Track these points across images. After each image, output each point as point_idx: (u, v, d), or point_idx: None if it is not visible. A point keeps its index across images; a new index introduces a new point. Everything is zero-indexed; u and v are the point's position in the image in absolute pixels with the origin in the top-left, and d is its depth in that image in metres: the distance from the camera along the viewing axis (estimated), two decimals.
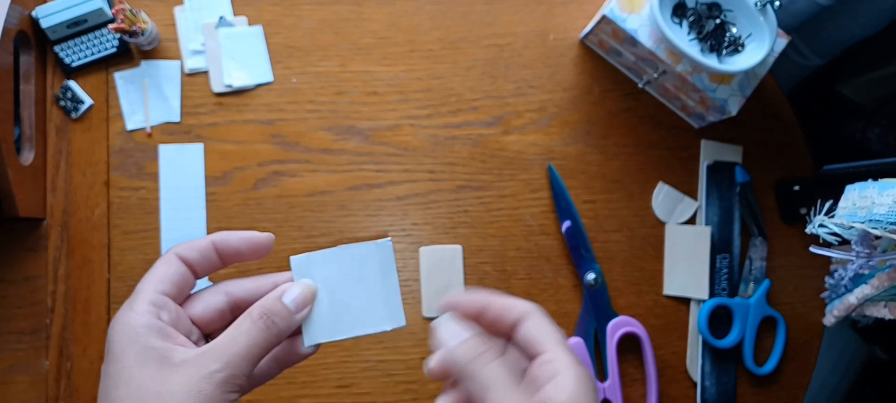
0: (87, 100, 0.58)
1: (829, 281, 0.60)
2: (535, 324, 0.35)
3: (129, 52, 0.59)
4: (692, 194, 0.62)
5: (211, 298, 0.34)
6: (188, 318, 0.34)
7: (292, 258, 0.35)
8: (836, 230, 0.47)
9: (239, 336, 0.31)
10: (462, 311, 0.36)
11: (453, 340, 0.33)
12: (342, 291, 0.35)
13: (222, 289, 0.35)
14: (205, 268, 0.35)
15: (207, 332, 0.35)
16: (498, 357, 0.33)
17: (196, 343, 0.33)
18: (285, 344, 0.36)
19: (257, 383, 0.36)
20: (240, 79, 0.59)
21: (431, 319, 0.58)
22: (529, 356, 0.35)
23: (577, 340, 0.58)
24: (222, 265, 0.35)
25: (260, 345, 0.32)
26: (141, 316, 0.31)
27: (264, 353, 0.32)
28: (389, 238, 0.36)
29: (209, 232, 0.58)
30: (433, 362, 0.34)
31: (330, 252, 0.35)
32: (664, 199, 0.61)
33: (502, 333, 0.36)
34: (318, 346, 0.35)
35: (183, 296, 0.34)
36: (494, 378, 0.32)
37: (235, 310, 0.35)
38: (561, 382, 0.32)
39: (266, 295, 0.34)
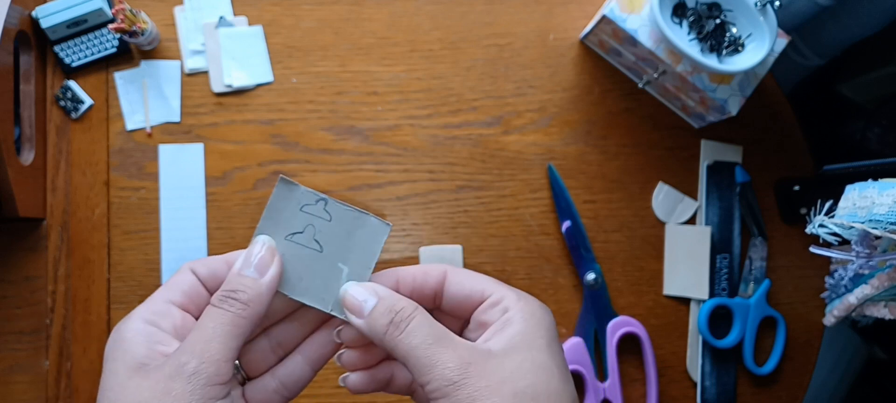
0: (87, 100, 0.58)
1: (829, 281, 0.60)
2: (462, 278, 0.32)
3: (129, 52, 0.59)
4: (692, 194, 0.62)
5: (180, 278, 0.32)
6: None
7: (281, 176, 0.32)
8: (836, 230, 0.47)
9: (205, 323, 0.29)
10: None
11: (365, 307, 0.31)
12: (306, 244, 0.32)
13: (187, 268, 0.32)
14: (215, 286, 0.32)
15: (194, 314, 0.32)
16: (415, 314, 0.30)
17: None
18: (317, 339, 0.33)
19: (290, 391, 0.33)
20: (240, 79, 0.59)
21: None
22: (467, 311, 0.32)
23: (577, 340, 0.58)
24: None
25: (228, 326, 0.29)
26: (133, 322, 0.30)
27: (241, 334, 0.29)
28: (390, 224, 0.33)
29: (209, 232, 0.58)
30: (345, 334, 0.32)
31: (321, 198, 0.32)
32: (664, 199, 0.61)
33: (426, 303, 0.33)
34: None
35: (196, 307, 0.32)
36: (419, 339, 0.29)
37: (207, 286, 0.32)
38: (511, 309, 0.30)
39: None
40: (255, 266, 0.31)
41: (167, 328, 0.30)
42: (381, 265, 0.34)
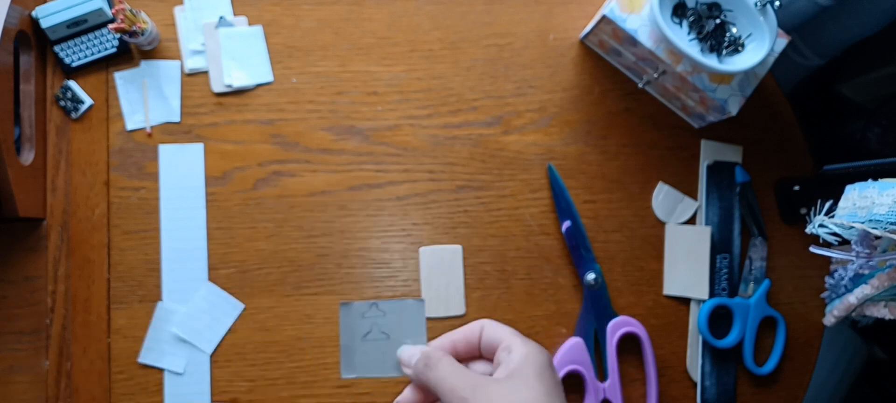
0: (87, 100, 0.58)
1: (829, 281, 0.60)
2: (491, 329, 0.43)
3: (129, 52, 0.59)
4: (692, 194, 0.62)
5: None
6: None
7: (341, 303, 0.44)
8: (836, 230, 0.47)
9: None
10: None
11: (411, 361, 0.42)
12: (377, 337, 0.44)
13: None
14: None
15: None
16: (443, 358, 0.41)
17: None
18: None
19: None
20: (240, 79, 0.59)
21: (433, 320, 0.58)
22: (493, 353, 0.42)
23: (577, 340, 0.58)
24: None
25: None
26: None
27: None
28: (423, 299, 0.46)
29: (209, 232, 0.58)
30: (402, 398, 0.43)
31: (372, 304, 0.44)
32: (664, 199, 0.61)
33: (476, 352, 0.44)
34: None
35: None
36: (443, 373, 0.40)
37: None
38: (513, 350, 0.40)
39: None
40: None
41: None
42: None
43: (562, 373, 0.57)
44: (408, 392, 0.44)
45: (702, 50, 0.54)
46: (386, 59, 0.61)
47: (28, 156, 0.56)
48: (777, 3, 0.53)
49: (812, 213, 0.50)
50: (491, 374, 0.42)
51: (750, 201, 0.61)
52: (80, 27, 0.57)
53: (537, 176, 0.61)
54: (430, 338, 0.44)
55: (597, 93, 0.62)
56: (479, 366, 0.44)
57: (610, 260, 0.60)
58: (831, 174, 0.60)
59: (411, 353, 0.42)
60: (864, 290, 0.54)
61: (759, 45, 0.54)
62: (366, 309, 0.44)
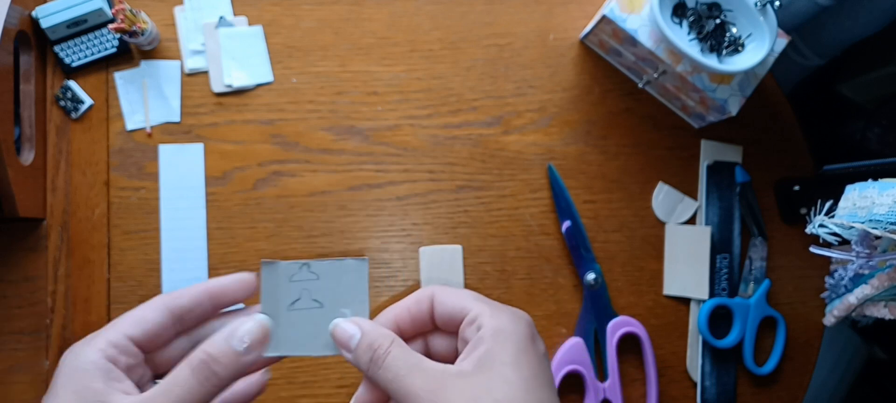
0: (87, 100, 0.58)
1: (829, 281, 0.60)
2: (445, 298, 0.34)
3: (129, 52, 0.59)
4: (692, 194, 0.62)
5: (149, 315, 0.32)
6: (149, 369, 0.33)
7: (263, 261, 0.35)
8: (836, 230, 0.47)
9: (174, 388, 0.30)
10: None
11: (352, 342, 0.32)
12: (309, 306, 0.35)
13: (162, 305, 0.33)
14: (195, 317, 0.33)
15: (149, 352, 0.33)
16: (390, 349, 0.31)
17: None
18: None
19: None
20: (240, 79, 0.59)
21: None
22: (454, 327, 0.33)
23: (576, 340, 0.58)
24: (214, 312, 0.34)
25: (197, 397, 0.30)
26: (92, 353, 0.30)
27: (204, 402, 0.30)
28: (367, 258, 0.35)
29: (209, 232, 0.58)
30: (358, 399, 0.34)
31: (303, 264, 0.35)
32: (664, 199, 0.61)
33: (428, 327, 0.35)
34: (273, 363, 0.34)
35: (155, 346, 0.33)
36: (395, 373, 0.31)
37: (178, 324, 0.33)
38: (483, 325, 0.31)
39: (207, 312, 0.34)
40: (246, 344, 0.31)
41: (123, 365, 0.31)
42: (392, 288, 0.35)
43: (562, 373, 0.57)
44: (362, 391, 0.34)
45: (702, 50, 0.54)
46: (386, 59, 0.61)
47: (28, 156, 0.56)
48: (777, 3, 0.53)
49: (812, 213, 0.50)
50: (455, 352, 0.34)
51: (750, 201, 0.61)
52: (80, 27, 0.57)
53: (537, 176, 0.61)
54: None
55: (597, 93, 0.62)
56: (438, 341, 0.35)
57: (610, 260, 0.60)
58: (831, 174, 0.60)
59: (349, 335, 0.33)
60: (864, 290, 0.54)
61: (759, 45, 0.54)
62: (295, 270, 0.35)
